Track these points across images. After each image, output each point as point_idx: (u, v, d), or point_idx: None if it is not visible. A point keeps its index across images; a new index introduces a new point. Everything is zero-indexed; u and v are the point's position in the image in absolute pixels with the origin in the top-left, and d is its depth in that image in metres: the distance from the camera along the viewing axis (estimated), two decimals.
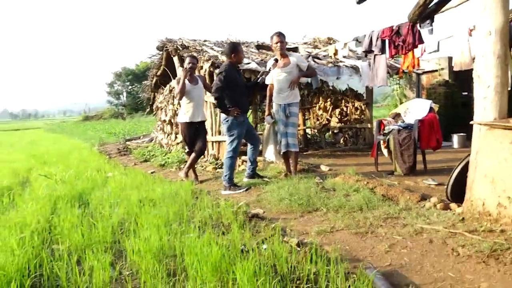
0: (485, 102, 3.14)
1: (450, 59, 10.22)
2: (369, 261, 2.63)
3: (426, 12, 4.40)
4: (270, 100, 5.53)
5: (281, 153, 5.42)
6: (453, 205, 3.56)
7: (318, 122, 9.63)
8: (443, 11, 5.07)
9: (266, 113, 5.58)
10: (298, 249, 2.82)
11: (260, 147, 5.70)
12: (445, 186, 3.71)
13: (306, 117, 9.86)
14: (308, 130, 9.98)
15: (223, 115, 5.20)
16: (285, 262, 2.52)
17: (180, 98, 5.89)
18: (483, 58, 3.14)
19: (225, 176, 5.14)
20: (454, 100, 9.57)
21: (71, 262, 2.62)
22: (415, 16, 4.36)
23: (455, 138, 8.22)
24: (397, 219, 3.42)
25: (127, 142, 13.88)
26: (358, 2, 4.12)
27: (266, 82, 5.50)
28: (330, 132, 9.54)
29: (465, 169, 3.45)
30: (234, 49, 5.13)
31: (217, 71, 5.25)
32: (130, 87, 42.10)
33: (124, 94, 43.79)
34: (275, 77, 5.35)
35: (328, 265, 2.42)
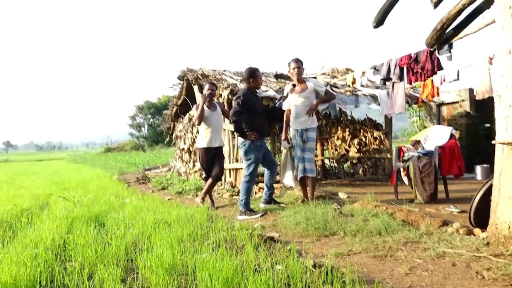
0: (507, 122, 3.06)
1: (471, 90, 10.13)
2: (388, 283, 2.52)
3: (444, 37, 4.39)
4: (287, 126, 5.53)
5: (298, 179, 5.35)
6: (477, 230, 3.41)
7: (336, 153, 9.56)
8: (461, 38, 5.07)
9: (283, 138, 5.56)
10: (313, 269, 2.73)
11: (278, 177, 5.64)
12: (468, 212, 3.57)
13: (324, 148, 9.81)
14: (326, 161, 9.90)
15: (240, 139, 5.20)
16: (300, 281, 2.43)
17: (199, 124, 5.95)
18: (503, 77, 3.09)
19: (241, 200, 5.10)
20: (476, 131, 9.39)
21: (83, 276, 2.59)
22: (432, 41, 4.35)
23: (479, 169, 7.99)
24: (418, 243, 3.29)
25: (146, 172, 14.02)
26: (375, 26, 4.15)
27: (283, 108, 5.53)
28: (349, 163, 9.44)
29: (488, 193, 3.33)
30: (252, 74, 5.19)
31: (238, 93, 5.30)
32: (151, 120, 43.04)
33: (146, 126, 44.76)
34: (293, 102, 5.38)
35: (344, 285, 2.32)
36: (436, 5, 3.93)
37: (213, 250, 3.19)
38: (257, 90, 5.47)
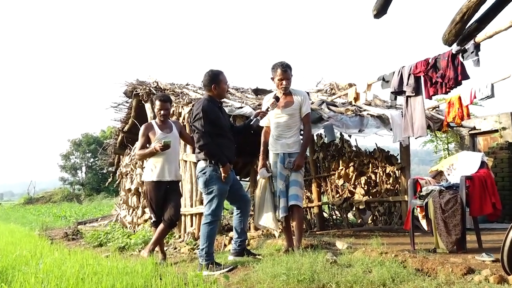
0: None
1: None
2: None
3: (465, 32, 4.60)
4: (266, 148, 5.59)
5: (281, 218, 5.37)
6: (511, 278, 3.47)
7: (338, 196, 9.62)
8: (491, 36, 5.33)
9: (260, 164, 5.58)
10: None
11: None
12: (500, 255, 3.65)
13: (322, 190, 9.86)
14: (325, 207, 9.91)
15: (199, 165, 5.18)
16: None
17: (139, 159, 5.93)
18: None
19: (202, 250, 5.06)
20: None
21: None
22: (451, 36, 4.53)
23: None
24: None
25: (79, 226, 13.87)
26: (376, 16, 4.35)
27: (261, 124, 5.58)
28: (354, 209, 9.48)
29: None
30: (215, 78, 5.20)
31: (193, 109, 5.30)
32: (92, 159, 42.67)
33: (83, 169, 44.32)
34: (273, 119, 5.45)
35: None
36: None
37: None
38: (222, 101, 5.55)
